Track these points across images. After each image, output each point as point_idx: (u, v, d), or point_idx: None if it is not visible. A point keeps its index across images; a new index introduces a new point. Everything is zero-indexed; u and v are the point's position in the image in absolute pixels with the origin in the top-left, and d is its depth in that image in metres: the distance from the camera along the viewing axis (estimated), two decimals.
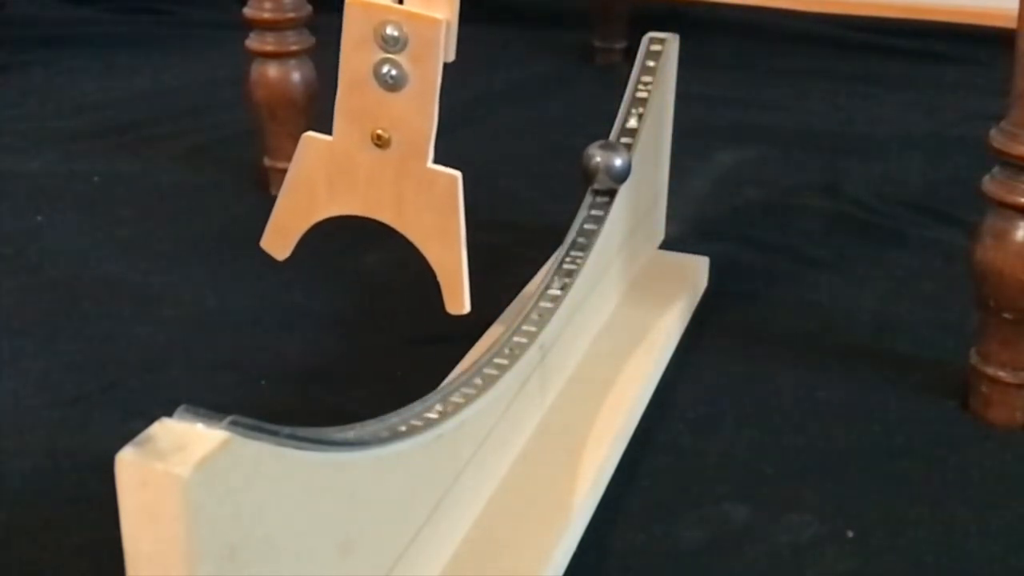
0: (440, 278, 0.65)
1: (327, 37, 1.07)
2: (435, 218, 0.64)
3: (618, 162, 0.73)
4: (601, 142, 0.74)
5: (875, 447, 0.70)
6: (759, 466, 0.68)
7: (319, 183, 0.66)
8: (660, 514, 0.64)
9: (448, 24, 0.61)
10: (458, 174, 0.63)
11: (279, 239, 0.68)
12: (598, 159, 0.73)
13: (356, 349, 0.81)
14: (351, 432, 0.47)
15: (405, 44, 0.61)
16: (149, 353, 0.80)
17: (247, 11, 1.01)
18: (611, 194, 0.74)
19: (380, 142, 0.63)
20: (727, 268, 0.92)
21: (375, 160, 0.64)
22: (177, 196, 1.07)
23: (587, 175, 0.74)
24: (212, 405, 0.38)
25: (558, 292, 0.68)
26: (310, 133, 0.66)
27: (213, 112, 1.29)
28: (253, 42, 1.02)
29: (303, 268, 0.93)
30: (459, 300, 0.65)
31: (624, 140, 0.78)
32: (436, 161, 0.63)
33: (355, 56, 0.63)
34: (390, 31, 0.61)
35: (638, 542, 0.61)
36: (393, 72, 0.61)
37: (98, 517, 0.61)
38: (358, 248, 0.96)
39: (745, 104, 1.34)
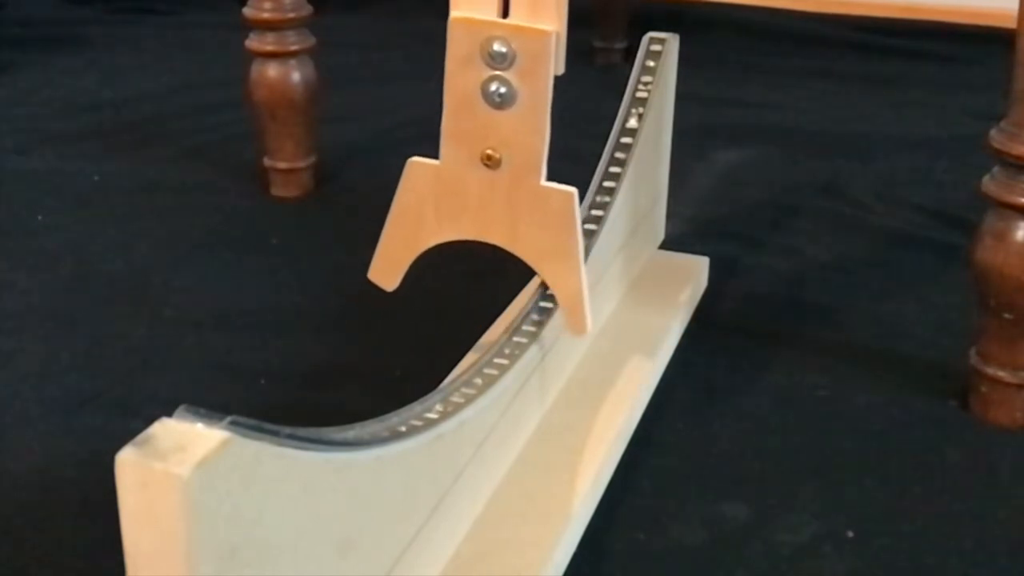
0: (559, 299, 0.63)
1: (327, 37, 1.08)
2: (551, 237, 0.62)
3: None
4: None
5: (875, 447, 0.70)
6: (759, 466, 0.68)
7: (427, 209, 0.64)
8: (660, 514, 0.64)
9: (558, 36, 0.59)
10: (574, 190, 0.61)
11: (387, 270, 0.66)
12: None
13: (356, 349, 0.81)
14: (351, 432, 0.47)
15: (513, 60, 0.59)
16: (149, 353, 0.79)
17: (247, 11, 1.01)
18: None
19: (490, 162, 0.61)
20: (727, 268, 0.92)
21: (485, 181, 0.62)
22: (177, 196, 1.07)
23: None
24: (212, 405, 0.38)
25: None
26: (415, 158, 0.64)
27: (213, 112, 1.29)
28: (253, 42, 1.02)
29: (303, 268, 0.93)
30: (580, 321, 0.63)
31: (624, 140, 0.78)
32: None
33: (461, 75, 0.61)
34: (497, 47, 0.59)
35: (638, 542, 0.61)
36: (502, 89, 0.59)
37: (98, 517, 0.61)
38: (358, 248, 0.96)
39: (745, 104, 1.34)
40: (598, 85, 1.41)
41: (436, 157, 0.63)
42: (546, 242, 0.62)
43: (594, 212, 0.74)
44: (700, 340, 0.82)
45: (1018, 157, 0.66)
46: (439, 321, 0.84)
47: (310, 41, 1.03)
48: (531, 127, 0.60)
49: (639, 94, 0.81)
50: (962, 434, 0.72)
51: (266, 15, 1.00)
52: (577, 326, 0.63)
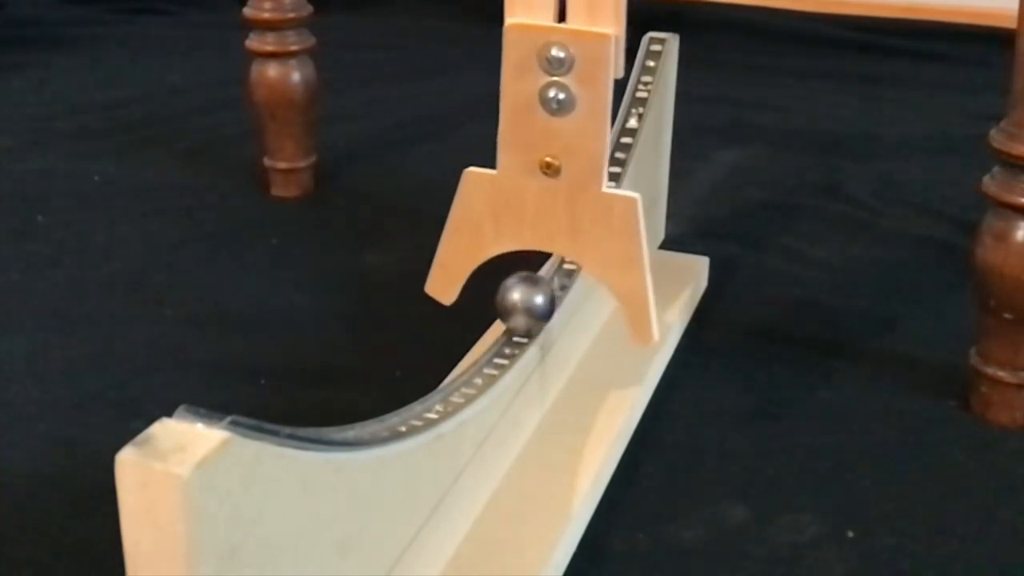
0: (624, 308, 0.62)
1: (327, 37, 1.08)
2: (615, 245, 0.60)
3: (539, 300, 0.62)
4: (521, 275, 0.63)
5: (875, 447, 0.70)
6: (759, 466, 0.68)
7: (484, 220, 0.63)
8: (660, 514, 0.64)
9: (617, 39, 0.58)
10: (637, 196, 0.60)
11: (444, 283, 0.65)
12: (516, 297, 0.62)
13: (356, 349, 0.81)
14: (351, 432, 0.47)
15: (572, 65, 0.58)
16: (149, 353, 0.79)
17: (247, 11, 1.01)
18: (529, 336, 0.63)
19: (549, 170, 0.60)
20: (727, 268, 0.92)
21: (545, 190, 0.61)
22: (177, 196, 1.07)
23: (502, 314, 0.63)
24: (212, 405, 0.38)
25: (558, 292, 0.68)
26: (472, 168, 0.63)
27: (213, 112, 1.29)
28: (253, 42, 1.02)
29: (303, 268, 0.93)
30: (647, 330, 0.62)
31: (624, 140, 0.78)
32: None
33: (517, 82, 0.60)
34: (555, 52, 0.58)
35: (638, 542, 0.61)
36: (560, 96, 0.58)
37: (98, 517, 0.61)
38: (358, 248, 0.96)
39: (745, 104, 1.34)
40: None
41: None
42: (609, 250, 0.61)
43: None
44: (700, 340, 0.82)
45: (1018, 157, 0.66)
46: (439, 321, 0.84)
47: (310, 41, 1.03)
48: (591, 133, 0.59)
49: (639, 94, 0.81)
50: (962, 434, 0.72)
51: (266, 15, 1.00)
52: (643, 335, 0.62)
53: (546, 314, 0.62)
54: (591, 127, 0.59)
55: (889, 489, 0.66)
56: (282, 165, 1.06)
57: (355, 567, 0.46)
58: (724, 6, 1.63)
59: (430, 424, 0.52)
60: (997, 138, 0.67)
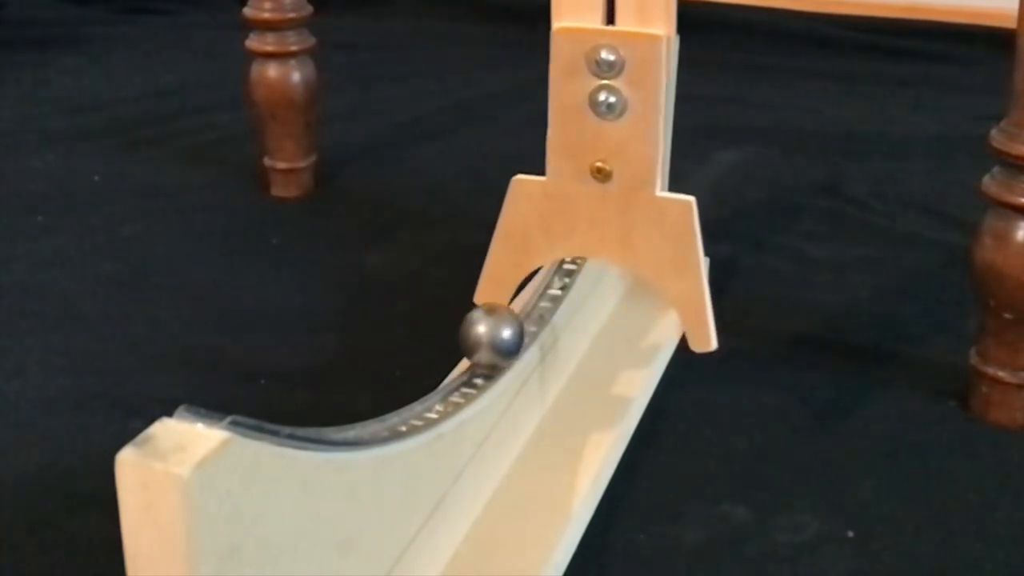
0: (681, 314, 0.61)
1: (327, 37, 1.08)
2: (670, 250, 0.60)
3: (506, 334, 0.57)
4: (488, 306, 0.59)
5: (875, 447, 0.70)
6: (759, 466, 0.68)
7: (534, 228, 0.62)
8: (660, 514, 0.64)
9: (668, 39, 0.57)
10: (692, 199, 0.59)
11: (493, 293, 0.64)
12: (481, 330, 0.57)
13: (356, 349, 0.81)
14: (351, 432, 0.47)
15: (622, 68, 0.57)
16: (149, 353, 0.79)
17: (247, 11, 1.01)
18: (495, 369, 0.59)
19: (601, 175, 0.59)
20: (727, 268, 0.92)
21: (596, 195, 0.60)
22: (177, 196, 1.07)
23: (465, 348, 0.58)
24: (212, 405, 0.38)
25: (558, 292, 0.68)
26: (520, 176, 0.62)
27: (213, 112, 1.29)
28: (253, 42, 1.02)
29: (303, 268, 0.93)
30: (705, 336, 0.61)
31: None
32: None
33: (566, 87, 0.59)
34: (605, 55, 0.57)
35: (638, 542, 0.61)
36: (611, 99, 0.58)
37: (98, 517, 0.61)
38: (358, 248, 0.96)
39: (745, 104, 1.34)
40: None
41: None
42: (664, 255, 0.60)
43: None
44: None
45: (1018, 157, 0.66)
46: (439, 321, 0.84)
47: (310, 41, 1.03)
48: (643, 136, 0.58)
49: None
50: (962, 434, 0.72)
51: (266, 15, 1.00)
52: (702, 341, 0.61)
53: (513, 349, 0.58)
54: (643, 130, 0.58)
55: (889, 489, 0.66)
56: (282, 165, 1.06)
57: (355, 567, 0.46)
58: (724, 6, 1.63)
59: (430, 424, 0.52)
60: (997, 138, 0.67)
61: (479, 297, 0.65)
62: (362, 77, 1.43)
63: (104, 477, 0.38)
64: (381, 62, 1.51)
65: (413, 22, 1.71)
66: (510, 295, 0.64)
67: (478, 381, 0.58)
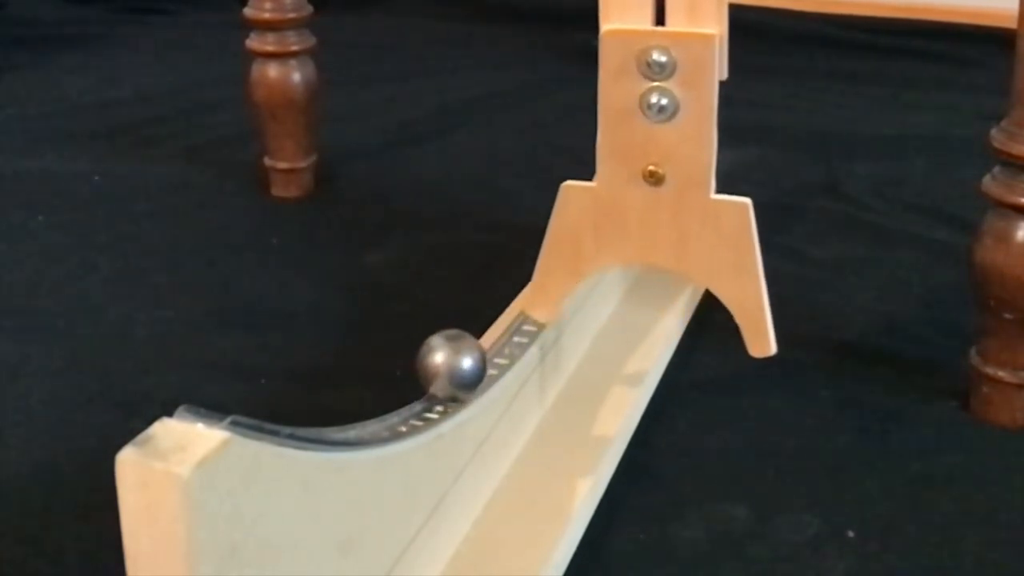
0: (738, 318, 0.60)
1: (327, 37, 1.08)
2: (727, 253, 0.59)
3: (467, 364, 0.53)
4: (448, 333, 0.54)
5: (875, 447, 0.70)
6: (759, 466, 0.68)
7: (585, 234, 0.61)
8: (660, 514, 0.64)
9: (720, 38, 0.56)
10: (748, 201, 0.58)
11: (543, 302, 0.63)
12: (440, 359, 0.53)
13: (356, 349, 0.81)
14: (351, 432, 0.47)
15: (674, 69, 0.56)
16: (149, 353, 0.79)
17: (247, 11, 1.01)
18: (455, 401, 0.54)
19: (653, 179, 0.58)
20: None
21: (648, 199, 0.59)
22: (177, 196, 1.07)
23: (422, 377, 0.53)
24: (212, 405, 0.38)
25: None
26: (569, 182, 0.61)
27: (213, 112, 1.29)
28: (253, 42, 1.02)
29: (303, 268, 0.93)
30: (764, 340, 0.60)
31: None
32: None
33: (616, 90, 0.58)
34: (656, 56, 0.56)
35: (638, 542, 0.61)
36: (663, 101, 0.57)
37: (98, 517, 0.61)
38: (358, 248, 0.96)
39: (745, 104, 1.34)
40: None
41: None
42: (720, 258, 0.59)
43: None
44: (700, 340, 0.82)
45: (1018, 157, 0.66)
46: (439, 321, 0.84)
47: (310, 41, 1.03)
48: (696, 138, 0.57)
49: None
50: (962, 434, 0.72)
51: (266, 15, 1.00)
52: (760, 346, 0.60)
53: (474, 380, 0.53)
54: (696, 132, 0.57)
55: (889, 489, 0.66)
56: (282, 165, 1.06)
57: (355, 567, 0.46)
58: None
59: (430, 424, 0.52)
60: (997, 138, 0.67)
61: (528, 308, 0.64)
62: (362, 77, 1.43)
63: (104, 477, 0.38)
64: (381, 62, 1.51)
65: (413, 22, 1.71)
66: (560, 305, 0.63)
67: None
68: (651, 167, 0.58)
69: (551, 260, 0.62)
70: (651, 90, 0.57)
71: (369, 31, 1.65)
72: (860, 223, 1.02)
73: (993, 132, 0.67)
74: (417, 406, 0.53)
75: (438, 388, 0.53)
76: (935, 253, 0.96)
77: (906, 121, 1.30)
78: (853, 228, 1.01)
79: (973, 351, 0.73)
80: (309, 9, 1.02)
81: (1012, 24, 0.67)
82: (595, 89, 0.61)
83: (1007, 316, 0.69)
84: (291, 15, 1.00)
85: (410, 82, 1.42)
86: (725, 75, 0.58)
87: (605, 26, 0.58)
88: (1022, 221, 0.67)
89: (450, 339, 0.53)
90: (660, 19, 0.57)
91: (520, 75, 1.47)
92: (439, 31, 1.66)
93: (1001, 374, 0.71)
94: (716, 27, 0.56)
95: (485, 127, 1.27)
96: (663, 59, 0.56)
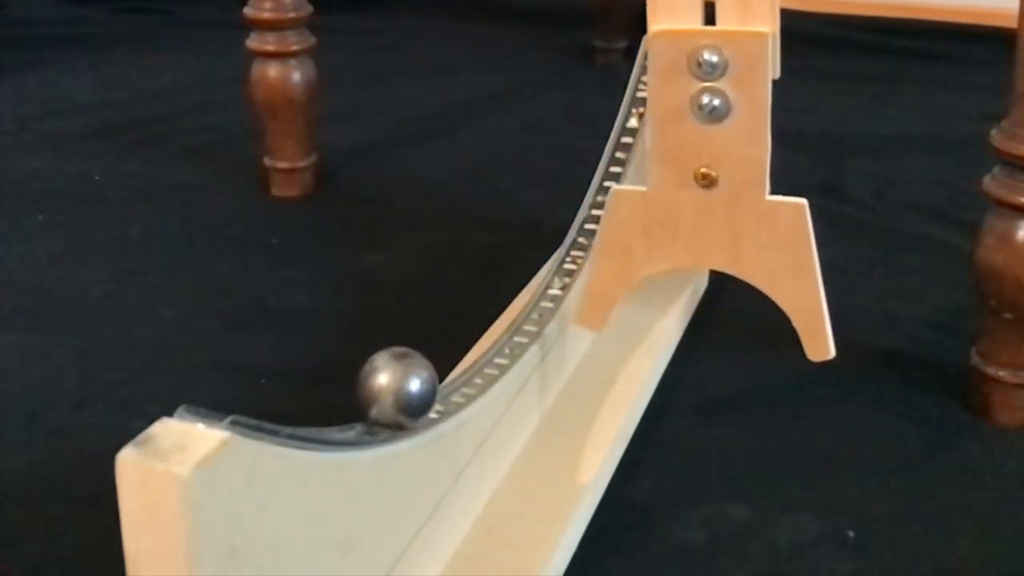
0: (796, 321, 0.59)
1: (327, 37, 1.08)
2: (783, 255, 0.58)
3: (414, 387, 0.47)
4: (395, 351, 0.48)
5: (875, 447, 0.70)
6: (759, 466, 0.68)
7: (635, 240, 0.60)
8: (660, 514, 0.64)
9: (773, 37, 0.55)
10: (804, 202, 0.57)
11: (595, 310, 0.62)
12: (384, 381, 0.47)
13: (356, 349, 0.81)
14: (351, 432, 0.47)
15: (726, 68, 0.55)
16: (149, 353, 0.79)
17: (247, 11, 1.01)
18: (399, 427, 0.48)
19: (706, 181, 0.57)
20: None
21: (701, 202, 0.58)
22: (177, 196, 1.07)
23: (363, 399, 0.47)
24: (212, 405, 0.38)
25: (558, 292, 0.68)
26: (618, 187, 0.60)
27: (213, 112, 1.29)
28: (253, 42, 1.02)
29: (303, 268, 0.93)
30: (823, 344, 0.59)
31: (625, 140, 0.78)
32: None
33: (667, 91, 0.57)
34: (708, 56, 0.55)
35: (638, 542, 0.61)
36: (715, 101, 0.56)
37: (98, 517, 0.61)
38: (358, 248, 0.96)
39: None
40: (598, 85, 1.41)
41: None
42: (776, 261, 0.58)
43: (595, 212, 0.74)
44: (700, 340, 0.82)
45: (1019, 157, 0.66)
46: (439, 321, 0.84)
47: (310, 41, 1.03)
48: (750, 138, 0.56)
49: (639, 94, 0.81)
50: (962, 434, 0.72)
51: (266, 15, 1.00)
52: (819, 350, 0.59)
53: (422, 407, 0.48)
54: (750, 132, 0.56)
55: (890, 489, 0.66)
56: (282, 165, 1.06)
57: (355, 567, 0.46)
58: None
59: (430, 424, 0.52)
60: (997, 138, 0.67)
61: (580, 317, 0.63)
62: (362, 77, 1.43)
63: (104, 477, 0.38)
64: (381, 62, 1.51)
65: (413, 22, 1.71)
66: (611, 311, 0.62)
67: (478, 381, 0.58)
68: (704, 169, 0.57)
69: (603, 268, 0.61)
70: (703, 91, 0.56)
71: (369, 31, 1.65)
72: (860, 223, 1.02)
73: (993, 132, 0.67)
74: (351, 430, 0.47)
75: (379, 413, 0.47)
76: (935, 253, 0.96)
77: (907, 121, 1.30)
78: (853, 228, 1.01)
79: (973, 351, 0.73)
80: (309, 9, 1.02)
81: (1012, 24, 0.67)
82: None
83: (1007, 316, 0.69)
84: (291, 15, 1.00)
85: (410, 82, 1.42)
86: (778, 74, 0.57)
87: (654, 27, 0.57)
88: (1022, 221, 0.67)
89: (398, 357, 0.48)
90: (709, 19, 0.56)
91: (520, 75, 1.47)
92: (439, 31, 1.66)
93: (1001, 374, 0.71)
94: (769, 25, 0.55)
95: (485, 127, 1.27)
96: (715, 59, 0.55)
